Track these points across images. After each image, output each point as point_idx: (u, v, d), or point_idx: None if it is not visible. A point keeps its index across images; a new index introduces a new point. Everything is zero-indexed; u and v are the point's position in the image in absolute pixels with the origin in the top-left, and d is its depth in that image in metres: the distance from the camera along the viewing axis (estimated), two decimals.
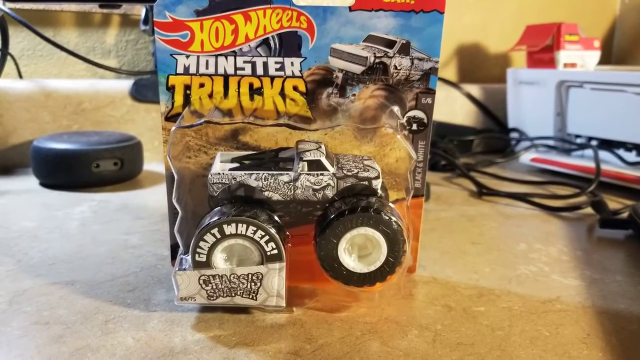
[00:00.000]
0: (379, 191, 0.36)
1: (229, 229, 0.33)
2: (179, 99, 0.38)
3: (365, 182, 0.36)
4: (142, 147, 0.74)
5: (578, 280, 0.43)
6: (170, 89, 0.38)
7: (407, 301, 0.38)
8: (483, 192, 0.69)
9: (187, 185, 0.38)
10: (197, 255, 0.34)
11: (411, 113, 0.39)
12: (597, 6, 1.22)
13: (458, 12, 1.10)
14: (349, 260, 0.35)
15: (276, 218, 0.35)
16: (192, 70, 0.38)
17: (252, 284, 0.34)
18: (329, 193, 0.35)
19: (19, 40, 0.88)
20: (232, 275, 0.34)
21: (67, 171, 0.67)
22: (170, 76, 0.38)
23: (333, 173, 0.35)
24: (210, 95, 0.38)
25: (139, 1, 0.71)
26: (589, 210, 0.62)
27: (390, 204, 0.37)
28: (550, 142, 0.89)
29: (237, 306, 0.35)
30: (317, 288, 0.39)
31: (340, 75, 0.38)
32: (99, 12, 0.90)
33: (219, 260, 0.34)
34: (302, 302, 0.37)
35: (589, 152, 0.83)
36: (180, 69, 0.38)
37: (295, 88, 0.38)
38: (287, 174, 0.35)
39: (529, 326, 0.35)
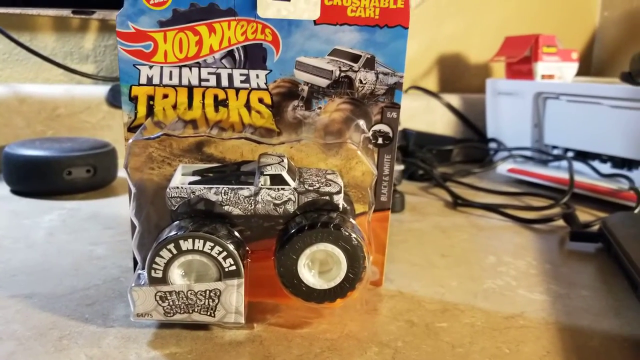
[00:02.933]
0: (341, 206, 0.36)
1: (185, 245, 0.33)
2: (142, 109, 0.38)
3: (327, 197, 0.35)
4: (116, 153, 0.73)
5: (544, 295, 0.43)
6: (133, 100, 0.38)
7: (370, 316, 0.38)
8: (458, 202, 0.69)
9: (150, 198, 0.38)
10: (153, 271, 0.33)
11: (377, 127, 0.39)
12: (578, 18, 1.23)
13: (439, 21, 1.10)
14: (308, 276, 0.35)
15: (236, 233, 0.35)
16: (156, 80, 0.38)
17: (210, 300, 0.33)
18: (290, 208, 0.35)
19: None
20: (190, 292, 0.33)
21: (38, 178, 0.66)
22: (133, 86, 0.38)
23: (294, 188, 0.35)
24: (174, 106, 0.38)
25: (111, 8, 0.71)
26: (561, 222, 0.62)
27: (352, 220, 0.36)
28: (528, 153, 0.89)
29: (195, 323, 0.34)
30: (279, 303, 0.38)
31: (306, 88, 0.38)
32: (76, 17, 0.90)
33: (176, 276, 0.34)
34: (264, 317, 0.37)
35: (565, 163, 0.83)
36: (143, 80, 0.37)
37: (260, 100, 0.38)
38: (247, 188, 0.35)
39: (490, 343, 0.35)
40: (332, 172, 0.38)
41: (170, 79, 0.38)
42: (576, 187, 0.72)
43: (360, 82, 0.38)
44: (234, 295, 0.34)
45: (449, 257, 0.51)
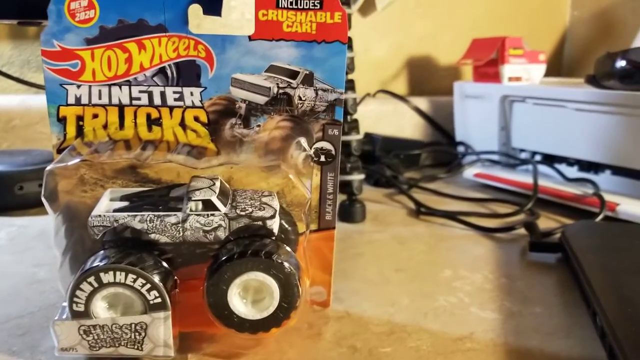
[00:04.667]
0: (275, 231, 0.34)
1: (106, 277, 0.31)
2: (71, 130, 0.36)
3: (259, 223, 0.34)
4: None
5: (495, 312, 0.42)
6: (62, 121, 0.36)
7: (312, 342, 0.37)
8: (421, 211, 0.68)
9: (84, 221, 0.36)
10: (74, 305, 0.32)
11: (319, 144, 0.38)
12: (548, 17, 1.23)
13: (407, 23, 1.09)
14: (240, 306, 0.33)
15: (163, 263, 0.33)
16: (84, 100, 0.36)
17: (137, 334, 0.32)
18: (221, 234, 0.34)
19: None
20: (114, 325, 0.32)
21: None
22: (60, 107, 0.36)
23: (225, 213, 0.34)
24: (105, 126, 0.36)
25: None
26: (524, 230, 0.62)
27: (285, 247, 0.35)
28: (495, 157, 0.89)
29: (123, 357, 0.33)
30: (215, 332, 0.37)
31: (243, 105, 0.37)
32: (33, 25, 0.87)
33: (100, 309, 0.32)
34: (199, 347, 0.35)
35: (532, 167, 0.83)
36: (71, 100, 0.36)
37: (196, 118, 0.37)
38: (174, 215, 0.33)
39: None
40: (269, 194, 0.36)
41: (100, 98, 0.36)
42: (541, 192, 0.72)
43: (300, 98, 0.37)
44: (162, 328, 0.32)
45: (403, 272, 0.49)
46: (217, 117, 0.37)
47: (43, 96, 0.83)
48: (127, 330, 0.32)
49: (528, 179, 0.77)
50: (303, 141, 0.37)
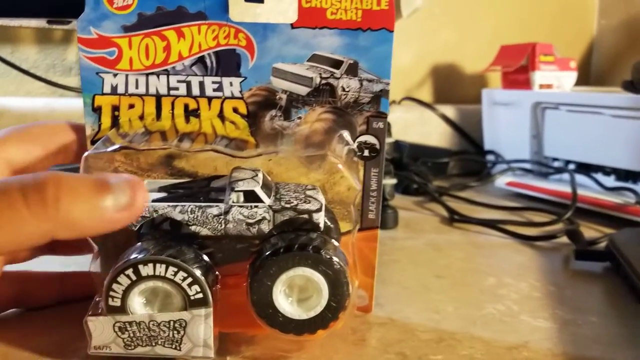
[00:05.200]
0: (322, 225, 0.32)
1: (145, 270, 0.29)
2: (106, 120, 0.35)
3: (305, 216, 0.32)
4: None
5: (549, 321, 0.39)
6: (97, 110, 0.34)
7: (357, 348, 0.34)
8: (454, 218, 0.66)
9: None
10: (110, 299, 0.30)
11: (362, 138, 0.36)
12: (575, 26, 1.21)
13: (432, 30, 1.07)
14: (285, 304, 0.31)
15: (204, 257, 0.31)
16: (121, 90, 0.34)
17: (175, 332, 0.30)
18: (265, 227, 0.32)
19: None
20: (152, 322, 0.30)
21: None
22: (96, 96, 0.34)
23: (269, 205, 0.32)
24: (141, 117, 0.35)
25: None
26: (565, 239, 0.59)
27: (334, 241, 0.33)
28: (527, 165, 0.86)
29: (159, 357, 0.31)
30: (255, 334, 0.35)
31: (284, 96, 0.35)
32: (60, 28, 0.87)
33: (137, 304, 0.30)
34: (238, 350, 0.33)
35: (567, 176, 0.80)
36: (107, 89, 0.34)
37: (235, 110, 0.35)
38: (216, 206, 0.31)
39: None
40: (313, 188, 0.34)
41: (137, 87, 0.34)
42: (579, 202, 0.69)
43: (343, 89, 0.35)
44: (202, 326, 0.30)
45: (444, 279, 0.47)
46: (256, 109, 0.35)
47: (67, 99, 0.82)
48: (165, 328, 0.30)
49: (563, 188, 0.74)
50: (346, 134, 0.36)
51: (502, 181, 0.82)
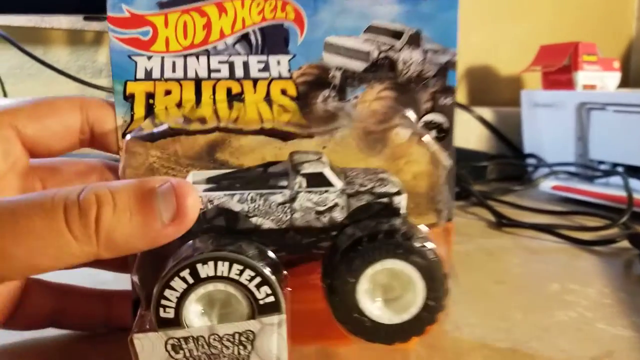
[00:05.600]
0: (403, 211, 0.28)
1: (205, 270, 0.25)
2: (139, 110, 0.31)
3: (385, 200, 0.28)
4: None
5: (629, 330, 0.35)
6: (129, 98, 0.31)
7: (430, 355, 0.30)
8: (503, 222, 0.62)
9: None
10: (161, 310, 0.25)
11: (428, 117, 0.32)
12: (613, 28, 1.16)
13: (466, 32, 1.04)
14: (372, 306, 0.26)
15: (270, 253, 0.27)
16: (156, 74, 0.31)
17: (241, 347, 0.25)
18: (338, 216, 0.27)
19: (7, 58, 0.83)
20: (213, 337, 0.25)
21: None
22: (128, 83, 0.31)
23: (341, 189, 0.27)
24: (179, 105, 0.31)
25: None
26: (624, 244, 0.54)
27: (423, 228, 0.29)
28: (572, 169, 0.82)
29: None
30: (326, 348, 0.30)
31: (338, 74, 0.31)
32: (90, 30, 0.85)
33: (194, 315, 0.25)
34: None
35: (614, 179, 0.75)
36: (140, 74, 0.31)
37: (283, 92, 0.31)
38: (280, 192, 0.27)
39: None
40: (383, 171, 0.30)
41: (174, 71, 0.31)
42: (635, 205, 0.64)
43: (404, 63, 0.31)
44: (274, 337, 0.25)
45: (504, 284, 0.43)
46: (307, 89, 0.31)
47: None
48: (228, 343, 0.25)
49: (615, 192, 0.69)
50: (410, 114, 0.32)
51: (547, 185, 0.77)
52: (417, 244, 0.26)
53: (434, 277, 0.26)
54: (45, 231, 0.24)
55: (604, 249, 0.54)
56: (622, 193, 0.66)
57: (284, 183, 0.28)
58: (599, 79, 0.86)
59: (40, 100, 0.30)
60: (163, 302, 0.25)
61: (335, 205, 0.27)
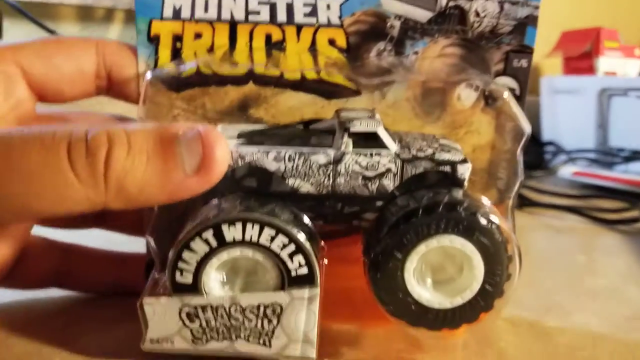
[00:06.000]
0: (466, 182, 0.25)
1: (231, 233, 0.22)
2: (164, 54, 0.28)
3: (447, 168, 0.24)
4: None
5: None
6: (154, 40, 0.28)
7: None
8: (525, 203, 0.61)
9: None
10: (178, 274, 0.22)
11: (498, 81, 0.28)
12: (632, 17, 1.15)
13: None
14: (421, 288, 0.23)
15: (306, 219, 0.24)
16: (185, 13, 0.28)
17: (265, 321, 0.22)
18: (389, 184, 0.24)
19: (15, 31, 0.83)
20: (234, 307, 0.23)
21: None
22: (153, 21, 0.28)
23: (396, 153, 0.24)
24: (210, 50, 0.28)
25: None
26: None
27: (488, 203, 0.25)
28: (591, 155, 0.81)
29: (240, 356, 0.23)
30: (361, 330, 0.27)
31: (397, 24, 0.27)
32: (101, 6, 0.85)
33: (214, 282, 0.23)
34: (337, 351, 0.25)
35: (633, 166, 0.75)
36: (168, 12, 0.28)
37: (331, 42, 0.28)
38: (324, 152, 0.24)
39: (619, 347, 0.27)
40: (444, 137, 0.27)
41: (206, 10, 0.28)
42: None
43: (477, 14, 0.27)
44: (303, 313, 0.22)
45: (529, 256, 0.42)
46: (359, 40, 0.28)
47: None
48: (251, 315, 0.22)
49: (637, 177, 0.69)
50: (476, 76, 0.28)
51: (567, 171, 0.77)
52: (482, 220, 0.22)
53: (497, 259, 0.23)
54: (43, 168, 0.21)
55: (626, 228, 0.53)
56: None
57: (329, 142, 0.24)
58: (620, 66, 0.86)
59: (49, 38, 0.27)
60: (180, 264, 0.22)
61: (388, 171, 0.24)
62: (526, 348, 0.26)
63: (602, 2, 1.11)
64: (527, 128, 0.26)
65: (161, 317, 0.22)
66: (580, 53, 0.85)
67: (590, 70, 0.84)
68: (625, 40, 0.88)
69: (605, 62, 0.83)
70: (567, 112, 0.85)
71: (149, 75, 0.27)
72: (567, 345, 0.27)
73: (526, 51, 0.28)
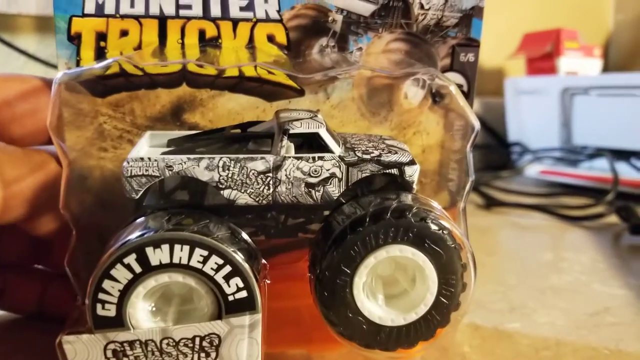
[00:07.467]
0: (415, 185, 0.23)
1: (156, 256, 0.19)
2: (87, 54, 0.25)
3: (394, 171, 0.22)
4: None
5: (624, 289, 0.35)
6: (75, 39, 0.25)
7: None
8: (492, 203, 0.62)
9: (96, 193, 0.25)
10: (99, 306, 0.20)
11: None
12: (591, 21, 1.18)
13: None
14: (372, 304, 0.21)
15: (244, 235, 0.22)
16: (109, 9, 0.25)
17: (203, 355, 0.20)
18: (334, 190, 0.22)
19: None
20: (166, 341, 0.20)
21: None
22: (74, 18, 0.25)
23: (340, 156, 0.22)
24: (138, 49, 0.26)
25: None
26: (611, 219, 0.55)
27: (438, 207, 0.23)
28: (556, 154, 0.82)
29: None
30: (310, 355, 0.25)
31: (339, 18, 0.26)
32: None
33: (141, 313, 0.20)
34: None
35: (597, 163, 0.76)
36: (89, 8, 0.25)
37: (270, 38, 0.26)
38: (262, 158, 0.22)
39: (582, 345, 0.27)
40: (391, 138, 0.25)
41: (132, 5, 0.25)
42: (621, 185, 0.65)
43: (422, 6, 0.26)
44: (244, 343, 0.20)
45: (497, 255, 0.43)
46: (300, 36, 0.26)
47: None
48: (186, 349, 0.20)
49: (601, 173, 0.70)
50: (423, 72, 0.26)
51: (533, 170, 0.78)
52: (433, 226, 0.21)
53: (451, 268, 0.21)
54: None
55: (592, 224, 0.54)
56: (608, 174, 0.67)
57: (267, 147, 0.22)
58: (580, 66, 0.87)
59: None
60: (101, 296, 0.19)
61: (332, 176, 0.22)
62: (489, 351, 0.26)
63: (555, 11, 1.13)
64: (476, 124, 0.25)
65: (84, 356, 0.20)
66: (542, 54, 0.86)
67: (553, 70, 0.85)
68: (585, 40, 0.90)
69: (566, 62, 0.85)
70: (531, 112, 0.87)
71: (59, 76, 0.23)
72: (531, 346, 0.26)
73: (473, 45, 0.27)
